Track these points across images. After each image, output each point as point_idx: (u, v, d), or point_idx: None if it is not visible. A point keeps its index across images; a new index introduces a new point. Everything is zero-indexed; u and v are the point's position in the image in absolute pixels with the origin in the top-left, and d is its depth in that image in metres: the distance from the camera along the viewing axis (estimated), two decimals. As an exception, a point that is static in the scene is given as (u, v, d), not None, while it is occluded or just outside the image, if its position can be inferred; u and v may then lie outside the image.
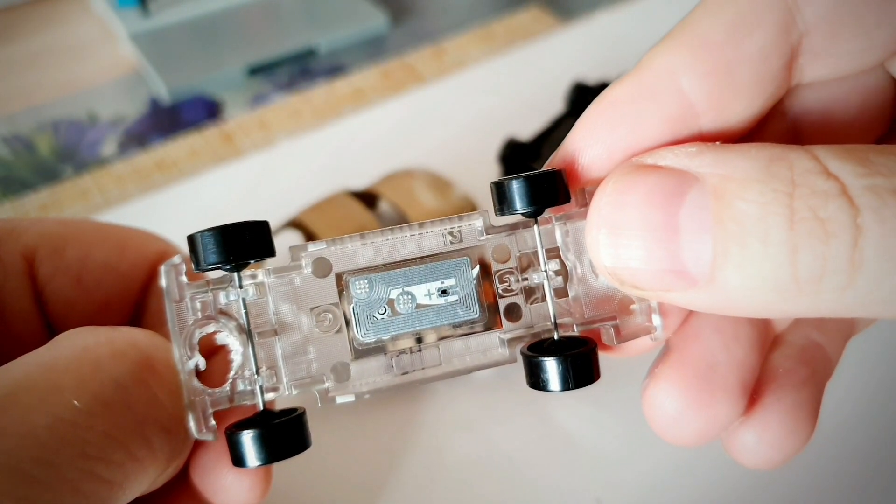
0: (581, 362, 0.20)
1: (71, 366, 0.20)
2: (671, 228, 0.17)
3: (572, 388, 0.20)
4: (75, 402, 0.19)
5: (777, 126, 0.22)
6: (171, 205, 0.49)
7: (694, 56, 0.19)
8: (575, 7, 0.67)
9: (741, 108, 0.19)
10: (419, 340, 0.21)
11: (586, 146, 0.20)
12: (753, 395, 0.22)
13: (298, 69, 0.61)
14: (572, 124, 0.21)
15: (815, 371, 0.23)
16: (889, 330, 0.38)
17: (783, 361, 0.23)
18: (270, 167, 0.51)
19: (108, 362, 0.20)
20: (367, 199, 0.43)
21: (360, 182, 0.45)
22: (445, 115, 0.54)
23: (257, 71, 0.61)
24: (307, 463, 0.34)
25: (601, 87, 0.22)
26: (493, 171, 0.47)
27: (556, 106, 0.50)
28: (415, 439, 0.35)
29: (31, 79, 0.61)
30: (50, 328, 0.26)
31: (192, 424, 0.20)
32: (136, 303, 0.27)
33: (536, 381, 0.20)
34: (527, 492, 0.33)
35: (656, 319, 0.21)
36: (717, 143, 0.18)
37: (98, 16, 0.67)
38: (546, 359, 0.20)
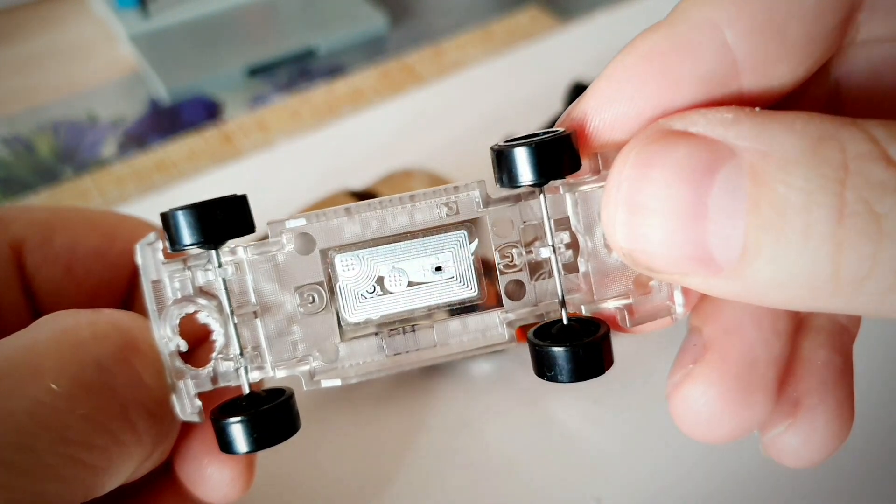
0: (594, 351, 0.18)
1: (50, 348, 0.19)
2: (699, 210, 0.15)
3: (585, 379, 0.18)
4: (53, 385, 0.18)
5: (818, 90, 0.19)
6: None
7: (741, 8, 0.16)
8: (574, 7, 0.67)
9: (788, 70, 0.17)
10: (413, 321, 0.20)
11: (608, 103, 0.18)
12: (788, 388, 0.21)
13: (298, 70, 0.62)
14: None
15: (847, 358, 0.21)
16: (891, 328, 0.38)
17: (818, 352, 0.21)
18: (270, 168, 0.51)
19: (90, 344, 0.19)
20: (367, 199, 0.43)
21: (360, 182, 0.45)
22: (445, 116, 0.54)
23: (257, 72, 0.61)
24: (304, 463, 0.34)
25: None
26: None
27: (555, 106, 0.50)
28: (413, 439, 0.35)
29: (31, 80, 0.61)
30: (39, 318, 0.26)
31: (176, 406, 0.19)
32: (127, 290, 0.27)
33: (544, 371, 0.19)
34: (526, 492, 0.33)
35: (678, 297, 0.19)
36: (756, 108, 0.16)
37: (98, 17, 0.67)
38: (555, 348, 0.18)
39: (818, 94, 0.20)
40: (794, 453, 0.21)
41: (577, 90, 0.50)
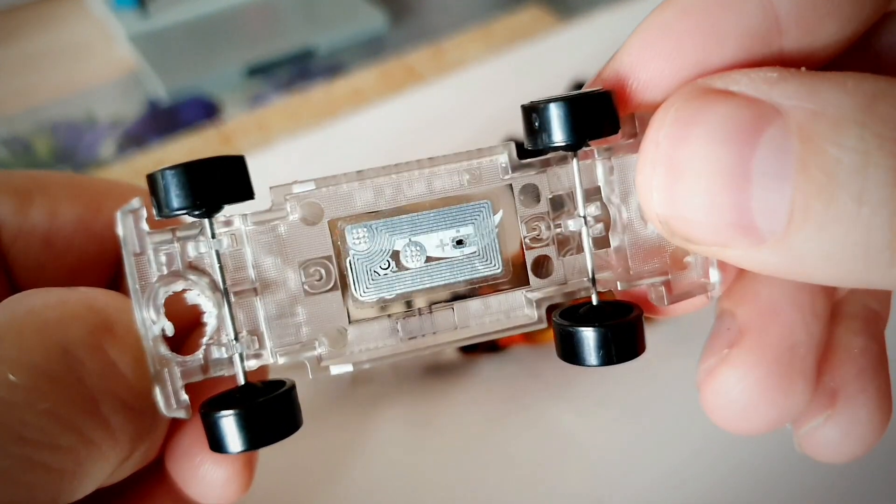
0: (625, 333, 0.17)
1: (10, 332, 0.17)
2: (742, 173, 0.14)
3: (614, 363, 0.17)
4: (11, 376, 0.16)
5: (857, 64, 0.18)
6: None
7: None
8: (575, 7, 0.67)
9: (830, 31, 0.16)
10: (430, 300, 0.18)
11: (644, 61, 0.17)
12: (825, 377, 0.19)
13: (297, 69, 0.61)
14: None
15: (882, 345, 0.20)
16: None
17: (854, 339, 0.20)
18: (269, 168, 0.51)
19: (56, 327, 0.17)
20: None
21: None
22: (444, 116, 0.54)
23: (256, 71, 0.61)
24: (302, 464, 0.34)
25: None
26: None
27: (555, 105, 0.50)
28: (414, 440, 0.35)
29: (30, 80, 0.61)
30: None
31: (159, 399, 0.17)
32: (115, 267, 0.24)
33: (570, 353, 0.17)
34: (527, 492, 0.33)
35: (714, 275, 0.18)
36: (802, 68, 0.15)
37: (96, 17, 0.67)
38: (583, 329, 0.17)
39: (859, 66, 0.18)
40: (834, 447, 0.20)
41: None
